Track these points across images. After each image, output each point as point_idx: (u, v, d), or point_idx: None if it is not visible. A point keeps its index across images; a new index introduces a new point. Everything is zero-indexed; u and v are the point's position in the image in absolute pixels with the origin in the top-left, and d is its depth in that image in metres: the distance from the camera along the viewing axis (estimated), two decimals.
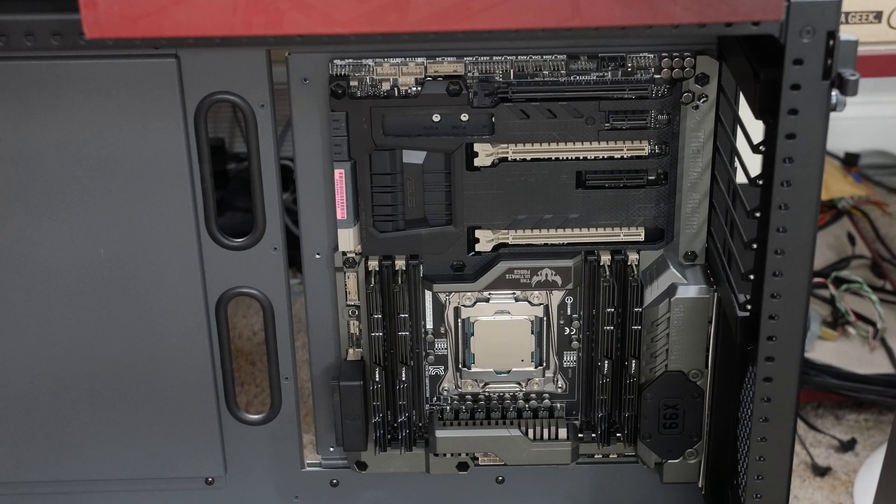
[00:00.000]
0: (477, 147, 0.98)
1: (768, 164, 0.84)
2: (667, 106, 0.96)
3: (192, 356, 1.04)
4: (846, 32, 0.79)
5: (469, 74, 0.95)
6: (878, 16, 1.12)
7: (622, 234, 1.01)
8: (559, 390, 1.07)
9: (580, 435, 1.08)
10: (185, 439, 1.08)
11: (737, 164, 0.93)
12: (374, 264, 1.01)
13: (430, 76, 0.96)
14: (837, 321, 1.42)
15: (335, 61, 0.95)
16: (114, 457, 1.08)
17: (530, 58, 0.95)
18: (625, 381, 1.04)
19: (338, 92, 0.96)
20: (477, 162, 0.98)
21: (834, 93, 0.81)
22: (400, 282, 1.01)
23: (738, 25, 0.80)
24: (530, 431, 1.07)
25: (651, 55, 0.95)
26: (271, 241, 1.01)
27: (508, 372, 1.06)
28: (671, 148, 0.98)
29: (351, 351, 1.06)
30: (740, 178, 0.92)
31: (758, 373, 0.89)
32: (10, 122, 0.95)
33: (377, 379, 1.04)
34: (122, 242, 1.00)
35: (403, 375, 1.04)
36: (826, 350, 1.39)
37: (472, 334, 1.04)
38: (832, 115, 0.81)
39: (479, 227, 1.01)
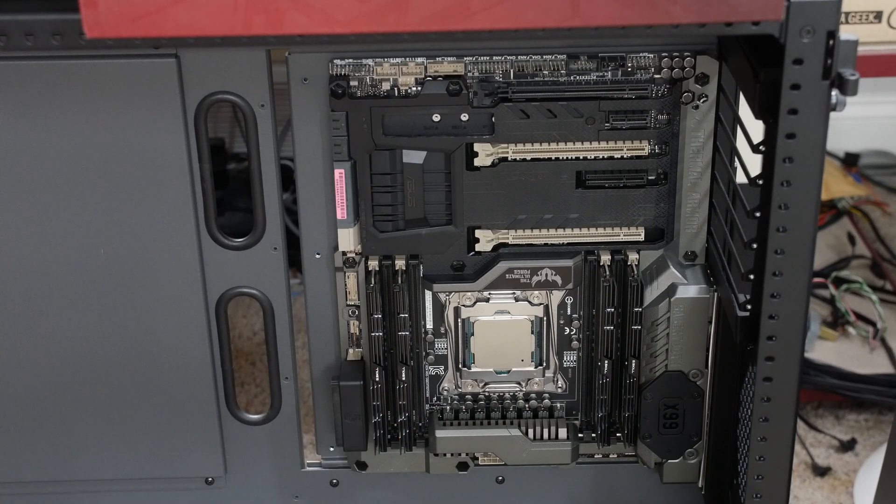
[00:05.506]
0: (477, 147, 0.98)
1: (768, 164, 0.84)
2: (667, 106, 0.96)
3: (192, 356, 1.04)
4: (846, 32, 0.79)
5: (469, 74, 0.95)
6: (878, 16, 1.12)
7: (622, 234, 1.01)
8: (559, 390, 1.07)
9: (580, 435, 1.08)
10: (185, 439, 1.08)
11: (737, 163, 0.93)
12: (374, 264, 1.01)
13: (430, 76, 0.96)
14: (837, 321, 1.42)
15: (335, 61, 0.95)
16: (114, 457, 1.08)
17: (530, 58, 0.95)
18: (625, 380, 1.04)
19: (338, 92, 0.96)
20: (477, 162, 0.98)
21: (834, 93, 0.81)
22: (400, 282, 1.01)
23: (738, 25, 0.80)
24: (530, 431, 1.07)
25: (651, 55, 0.95)
26: (271, 241, 1.01)
27: (508, 372, 1.06)
28: (671, 148, 0.98)
29: (351, 351, 1.06)
30: (740, 178, 0.92)
31: (758, 373, 0.89)
32: (10, 122, 0.95)
33: (377, 379, 1.04)
34: (122, 242, 1.00)
35: (403, 375, 1.04)
36: (826, 350, 1.39)
37: (472, 334, 1.04)
38: (832, 114, 0.81)
39: (479, 227, 1.01)
